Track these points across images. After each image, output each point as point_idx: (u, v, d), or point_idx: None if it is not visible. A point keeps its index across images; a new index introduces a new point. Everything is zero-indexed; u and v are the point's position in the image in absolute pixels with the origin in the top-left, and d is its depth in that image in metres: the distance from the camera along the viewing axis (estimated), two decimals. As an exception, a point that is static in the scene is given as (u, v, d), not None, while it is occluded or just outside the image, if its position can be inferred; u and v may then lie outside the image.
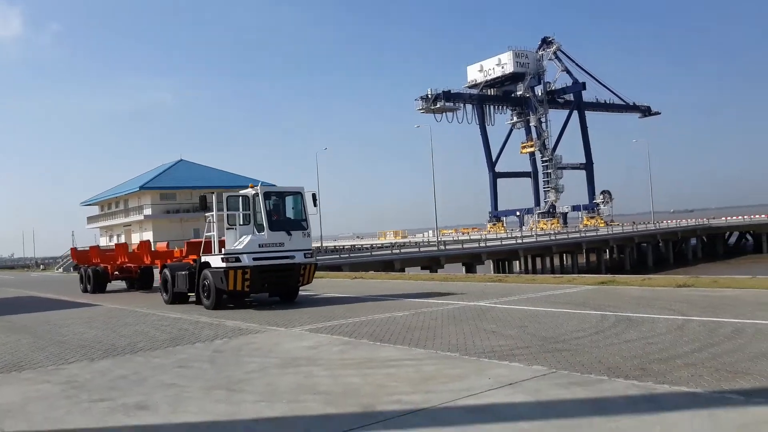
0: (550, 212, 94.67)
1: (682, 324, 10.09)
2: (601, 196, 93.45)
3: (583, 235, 64.61)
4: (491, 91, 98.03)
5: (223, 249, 16.07)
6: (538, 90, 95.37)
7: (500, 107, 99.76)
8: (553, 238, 60.67)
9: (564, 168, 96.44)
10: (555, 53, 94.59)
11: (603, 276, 22.40)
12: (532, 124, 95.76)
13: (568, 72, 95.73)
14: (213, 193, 16.65)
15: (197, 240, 19.00)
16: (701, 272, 37.23)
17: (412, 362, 8.29)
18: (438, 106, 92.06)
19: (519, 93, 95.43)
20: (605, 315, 11.55)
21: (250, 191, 16.13)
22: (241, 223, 16.08)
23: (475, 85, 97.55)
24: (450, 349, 9.00)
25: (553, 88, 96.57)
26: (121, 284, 26.50)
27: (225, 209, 16.11)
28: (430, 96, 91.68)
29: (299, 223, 16.58)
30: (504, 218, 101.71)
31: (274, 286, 16.69)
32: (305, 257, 16.36)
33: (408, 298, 16.41)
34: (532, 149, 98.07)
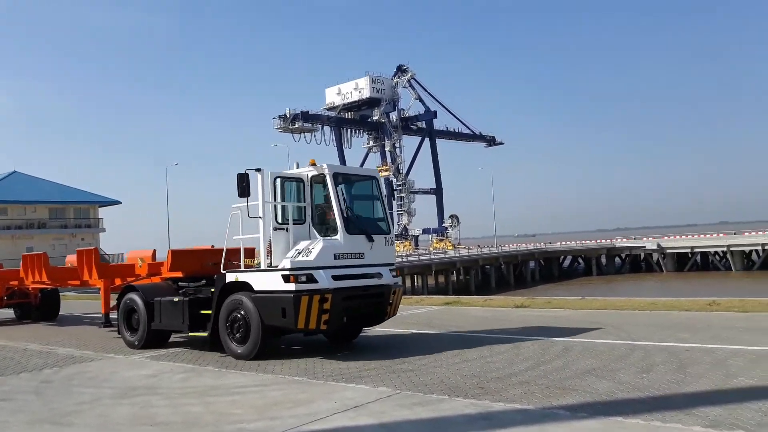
0: (403, 235, 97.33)
1: (518, 343, 10.70)
2: (450, 220, 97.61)
3: (432, 257, 66.94)
4: (349, 115, 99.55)
5: (267, 261, 10.38)
6: (393, 116, 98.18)
7: (357, 131, 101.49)
8: (405, 260, 62.33)
9: (416, 192, 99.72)
10: (409, 81, 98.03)
11: (449, 297, 23.33)
12: (387, 148, 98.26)
13: (421, 100, 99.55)
14: (259, 170, 10.39)
15: (204, 247, 13.53)
16: (538, 293, 39.84)
17: (258, 388, 8.12)
18: (296, 126, 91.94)
19: (375, 118, 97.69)
20: (449, 335, 12.01)
21: (309, 170, 10.61)
22: (295, 219, 10.50)
23: (333, 108, 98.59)
24: (298, 374, 8.92)
25: (407, 114, 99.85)
26: (8, 312, 19.90)
27: (272, 197, 10.48)
28: (288, 115, 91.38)
29: (380, 224, 11.14)
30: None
31: (353, 320, 10.85)
32: (392, 275, 11.03)
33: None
34: (387, 173, 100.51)
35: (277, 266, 10.02)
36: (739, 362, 8.36)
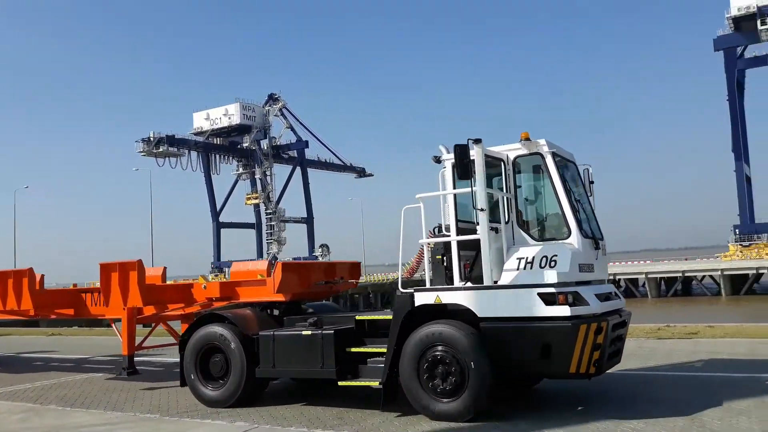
0: (272, 263, 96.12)
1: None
2: (320, 249, 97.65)
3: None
4: (217, 140, 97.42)
5: (465, 274, 7.54)
6: (264, 144, 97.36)
7: (226, 157, 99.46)
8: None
9: (287, 221, 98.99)
10: (281, 110, 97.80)
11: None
12: (257, 176, 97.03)
13: (293, 129, 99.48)
14: (478, 141, 7.28)
15: (321, 262, 10.37)
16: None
17: (106, 427, 7.66)
18: (161, 150, 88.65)
19: (245, 145, 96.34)
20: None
21: (514, 149, 7.81)
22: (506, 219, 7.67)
23: (201, 133, 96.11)
24: (150, 410, 8.50)
25: (278, 143, 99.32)
26: None
27: (454, 185, 7.82)
28: (152, 139, 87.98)
29: (598, 226, 8.41)
30: (226, 269, 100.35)
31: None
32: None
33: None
34: (256, 201, 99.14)
35: (495, 282, 7.24)
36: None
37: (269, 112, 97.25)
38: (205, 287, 10.70)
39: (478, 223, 7.30)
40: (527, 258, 7.25)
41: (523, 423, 7.00)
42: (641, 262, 64.27)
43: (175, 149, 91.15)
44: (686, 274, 56.38)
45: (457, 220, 7.59)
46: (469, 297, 7.28)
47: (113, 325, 11.90)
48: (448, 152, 7.79)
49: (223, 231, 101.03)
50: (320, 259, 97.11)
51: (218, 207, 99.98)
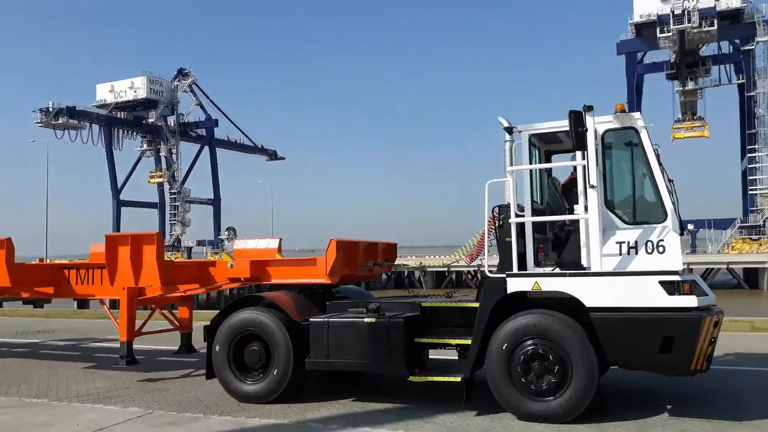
0: (176, 246, 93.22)
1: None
2: (227, 232, 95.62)
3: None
4: (122, 114, 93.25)
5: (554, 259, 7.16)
6: (171, 120, 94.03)
7: (130, 132, 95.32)
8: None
9: (192, 202, 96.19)
10: (190, 86, 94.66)
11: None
12: (162, 153, 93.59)
13: (202, 107, 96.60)
14: (590, 108, 6.77)
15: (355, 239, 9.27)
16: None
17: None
18: (60, 122, 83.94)
19: (151, 120, 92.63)
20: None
21: (605, 121, 7.07)
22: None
23: (104, 105, 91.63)
24: (38, 395, 8.11)
25: (186, 120, 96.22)
26: None
27: (528, 160, 7.38)
28: (51, 110, 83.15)
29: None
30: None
31: None
32: None
33: None
34: (161, 180, 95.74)
35: (588, 268, 6.74)
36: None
37: (178, 88, 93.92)
38: (231, 266, 9.43)
39: (565, 206, 7.24)
40: (628, 242, 6.69)
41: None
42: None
43: (76, 121, 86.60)
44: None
45: (531, 201, 7.14)
46: (577, 284, 6.65)
47: (104, 306, 10.89)
48: (509, 123, 7.32)
49: (124, 210, 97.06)
50: (226, 242, 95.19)
51: (119, 184, 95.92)
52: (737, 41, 58.50)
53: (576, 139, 6.55)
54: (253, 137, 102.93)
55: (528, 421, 6.57)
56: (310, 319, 7.63)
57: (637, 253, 6.64)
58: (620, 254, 6.67)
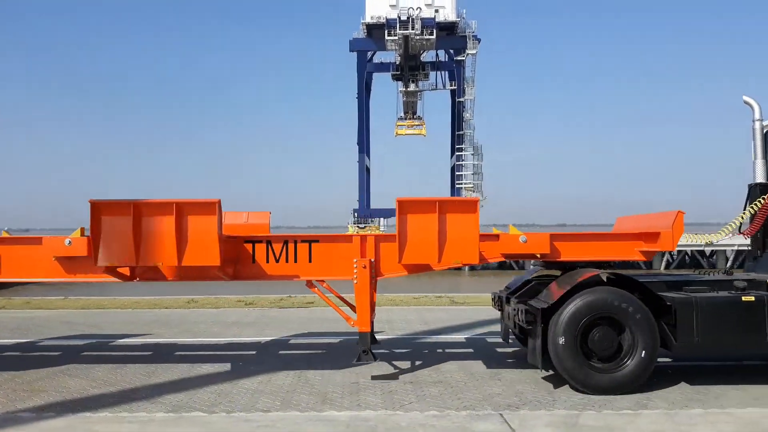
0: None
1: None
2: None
3: None
4: None
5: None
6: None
7: None
8: None
9: None
10: None
11: None
12: None
13: None
14: None
15: None
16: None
17: None
18: None
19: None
20: None
21: None
22: None
23: None
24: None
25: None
26: None
27: None
28: None
29: None
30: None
31: None
32: None
33: None
34: None
35: None
36: (202, 352, 9.47)
37: None
38: (524, 240, 7.76)
39: None
40: None
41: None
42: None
43: None
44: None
45: None
46: None
47: (315, 290, 8.42)
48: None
49: None
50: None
51: None
52: (452, 51, 65.13)
53: None
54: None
55: None
56: (675, 298, 6.95)
57: None
58: None
